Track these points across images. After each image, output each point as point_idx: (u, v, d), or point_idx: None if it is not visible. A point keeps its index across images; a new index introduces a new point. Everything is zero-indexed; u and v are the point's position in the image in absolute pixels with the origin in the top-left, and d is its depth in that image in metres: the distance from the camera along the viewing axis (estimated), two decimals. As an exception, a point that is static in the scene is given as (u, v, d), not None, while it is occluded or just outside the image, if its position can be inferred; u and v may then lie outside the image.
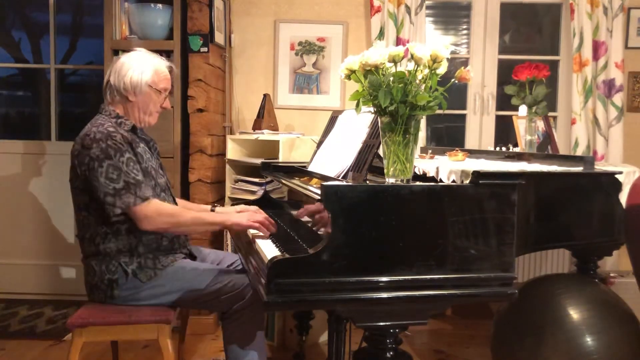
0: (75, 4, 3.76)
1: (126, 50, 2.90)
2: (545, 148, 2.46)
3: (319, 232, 1.71)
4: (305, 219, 1.85)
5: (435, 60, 1.42)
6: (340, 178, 1.77)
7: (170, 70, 2.04)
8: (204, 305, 1.92)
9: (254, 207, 2.03)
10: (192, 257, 2.08)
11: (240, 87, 3.42)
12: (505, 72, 3.37)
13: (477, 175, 1.43)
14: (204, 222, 1.89)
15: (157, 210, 1.78)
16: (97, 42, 3.07)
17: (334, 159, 1.92)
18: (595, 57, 3.19)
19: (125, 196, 1.75)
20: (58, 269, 3.56)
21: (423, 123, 3.25)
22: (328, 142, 2.12)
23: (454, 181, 1.57)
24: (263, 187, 2.82)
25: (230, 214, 1.95)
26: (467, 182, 1.46)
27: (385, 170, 1.50)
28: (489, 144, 3.40)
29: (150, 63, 1.96)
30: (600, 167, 2.10)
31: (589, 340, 1.89)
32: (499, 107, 3.44)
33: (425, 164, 1.83)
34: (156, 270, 1.85)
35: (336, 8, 3.38)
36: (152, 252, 1.88)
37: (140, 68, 1.93)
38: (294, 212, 1.99)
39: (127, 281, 1.83)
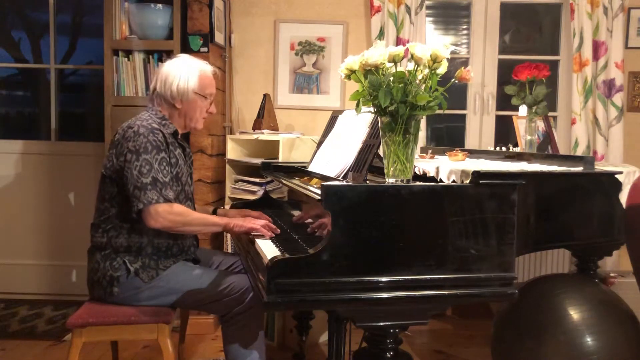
0: (75, 4, 3.76)
1: (126, 50, 2.92)
2: (545, 148, 2.46)
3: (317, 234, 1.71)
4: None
5: (435, 60, 1.41)
6: (340, 178, 1.77)
7: (214, 74, 2.05)
8: (204, 308, 1.92)
9: (257, 213, 2.04)
10: (195, 259, 2.08)
11: (240, 87, 3.42)
12: (505, 72, 3.37)
13: (477, 175, 1.43)
14: (208, 223, 1.90)
15: (167, 209, 1.78)
16: (97, 42, 3.07)
17: (334, 159, 1.92)
18: (595, 57, 3.19)
19: (150, 192, 1.75)
20: (58, 269, 3.56)
21: (423, 123, 3.25)
22: (328, 142, 2.12)
23: (454, 181, 1.56)
24: (263, 187, 2.82)
25: (233, 217, 1.95)
26: (467, 182, 1.46)
27: (385, 170, 1.50)
28: (489, 144, 3.40)
29: (195, 68, 1.97)
30: (600, 167, 2.10)
31: (589, 340, 1.89)
32: (499, 107, 3.44)
33: (425, 164, 1.83)
34: (158, 271, 1.86)
35: (336, 8, 3.38)
36: (159, 254, 1.90)
37: (186, 75, 1.94)
38: (293, 214, 1.98)
39: (128, 280, 1.83)
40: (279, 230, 1.85)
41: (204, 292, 1.85)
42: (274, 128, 3.14)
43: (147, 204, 1.75)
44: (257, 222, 1.86)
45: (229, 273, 1.97)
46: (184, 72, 1.95)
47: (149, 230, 1.85)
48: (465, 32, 3.56)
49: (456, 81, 1.51)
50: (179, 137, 2.01)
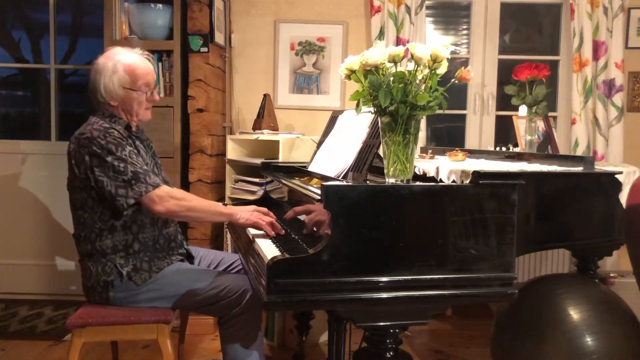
0: (75, 4, 3.76)
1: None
2: (545, 148, 2.46)
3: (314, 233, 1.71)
4: (303, 217, 1.86)
5: (435, 60, 1.41)
6: (340, 178, 1.77)
7: (147, 58, 1.96)
8: (201, 310, 1.90)
9: (265, 209, 2.02)
10: (190, 257, 2.08)
11: (240, 87, 3.42)
12: (505, 72, 3.37)
13: (477, 175, 1.43)
14: (214, 211, 1.87)
15: (168, 193, 1.78)
16: (97, 42, 3.07)
17: (334, 159, 1.92)
18: (595, 57, 3.19)
19: (136, 186, 1.74)
20: (58, 269, 3.56)
21: (423, 123, 3.25)
22: (328, 142, 2.12)
23: (454, 181, 1.57)
24: (263, 187, 2.82)
25: (240, 209, 1.92)
26: (467, 182, 1.46)
27: (385, 170, 1.50)
28: (489, 144, 3.40)
29: (122, 63, 1.88)
30: (600, 167, 2.10)
31: (589, 340, 1.89)
32: (499, 107, 3.44)
33: (425, 164, 1.83)
34: (151, 273, 1.84)
35: (336, 8, 3.38)
36: (148, 251, 1.87)
37: (110, 73, 1.86)
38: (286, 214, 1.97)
39: (122, 283, 1.82)
40: (283, 231, 1.83)
41: (200, 296, 1.82)
42: (274, 128, 3.14)
43: (139, 196, 1.74)
44: (264, 218, 1.84)
45: (226, 274, 1.95)
46: (109, 70, 1.86)
47: (131, 226, 1.84)
48: (465, 32, 3.56)
49: (456, 81, 1.51)
50: (134, 130, 1.96)
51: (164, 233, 1.93)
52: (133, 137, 1.93)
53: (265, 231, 1.81)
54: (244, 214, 1.85)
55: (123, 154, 1.77)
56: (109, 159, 1.75)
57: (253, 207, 2.02)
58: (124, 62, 1.89)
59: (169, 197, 1.76)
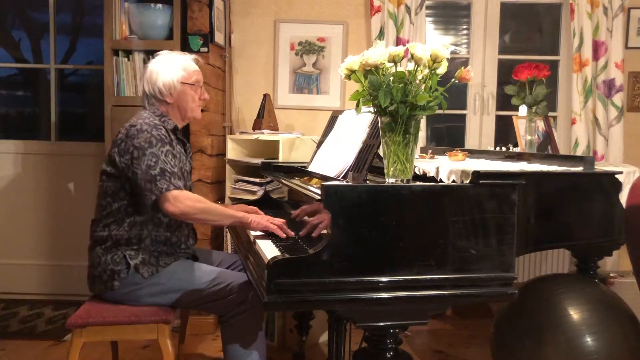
0: (75, 4, 3.76)
1: (126, 50, 2.93)
2: (545, 148, 2.46)
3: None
4: (305, 218, 1.85)
5: (435, 60, 1.42)
6: (340, 178, 1.77)
7: (197, 62, 2.07)
8: (202, 307, 1.93)
9: (254, 209, 2.05)
10: (194, 257, 2.09)
11: (240, 87, 3.42)
12: (505, 72, 3.37)
13: (477, 175, 1.43)
14: (226, 214, 1.90)
15: (184, 194, 1.80)
16: (97, 42, 3.07)
17: (334, 159, 1.92)
18: (595, 57, 3.19)
19: (159, 182, 1.77)
20: (58, 269, 3.56)
21: (423, 123, 3.25)
22: (328, 142, 2.12)
23: (454, 181, 1.56)
24: (263, 187, 2.82)
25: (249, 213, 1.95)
26: (467, 182, 1.46)
27: (385, 170, 1.50)
28: (489, 144, 3.40)
29: (177, 61, 2.00)
30: (600, 167, 2.10)
31: (589, 340, 1.89)
32: (499, 107, 3.44)
33: (425, 164, 1.83)
34: (158, 268, 1.87)
35: (336, 8, 3.38)
36: (157, 246, 1.89)
37: (169, 69, 1.97)
38: (293, 212, 1.98)
39: (129, 275, 1.83)
40: (292, 233, 1.80)
41: (203, 292, 1.85)
42: (274, 128, 3.14)
43: (159, 193, 1.77)
44: (274, 222, 1.85)
45: (229, 272, 1.97)
46: (166, 66, 1.97)
47: (149, 224, 1.88)
48: (465, 32, 3.56)
49: (456, 81, 1.51)
50: (179, 133, 2.03)
51: (177, 233, 1.97)
52: (176, 141, 1.98)
53: (277, 235, 1.81)
54: (255, 217, 1.87)
55: (160, 150, 1.83)
56: (147, 152, 1.80)
57: (243, 206, 2.04)
58: (181, 60, 2.01)
59: (184, 198, 1.79)
